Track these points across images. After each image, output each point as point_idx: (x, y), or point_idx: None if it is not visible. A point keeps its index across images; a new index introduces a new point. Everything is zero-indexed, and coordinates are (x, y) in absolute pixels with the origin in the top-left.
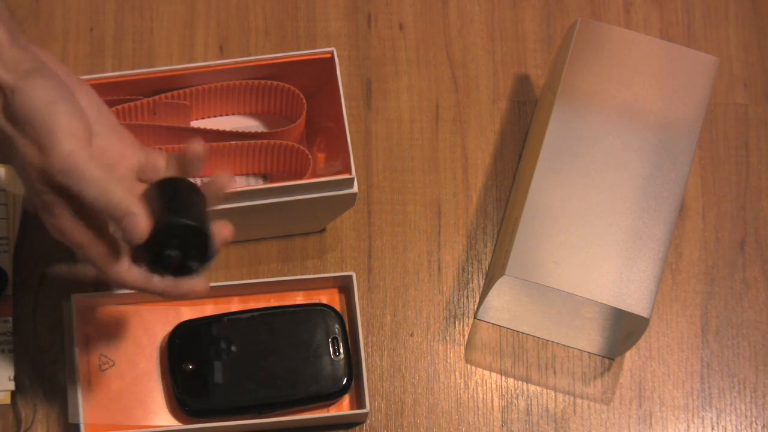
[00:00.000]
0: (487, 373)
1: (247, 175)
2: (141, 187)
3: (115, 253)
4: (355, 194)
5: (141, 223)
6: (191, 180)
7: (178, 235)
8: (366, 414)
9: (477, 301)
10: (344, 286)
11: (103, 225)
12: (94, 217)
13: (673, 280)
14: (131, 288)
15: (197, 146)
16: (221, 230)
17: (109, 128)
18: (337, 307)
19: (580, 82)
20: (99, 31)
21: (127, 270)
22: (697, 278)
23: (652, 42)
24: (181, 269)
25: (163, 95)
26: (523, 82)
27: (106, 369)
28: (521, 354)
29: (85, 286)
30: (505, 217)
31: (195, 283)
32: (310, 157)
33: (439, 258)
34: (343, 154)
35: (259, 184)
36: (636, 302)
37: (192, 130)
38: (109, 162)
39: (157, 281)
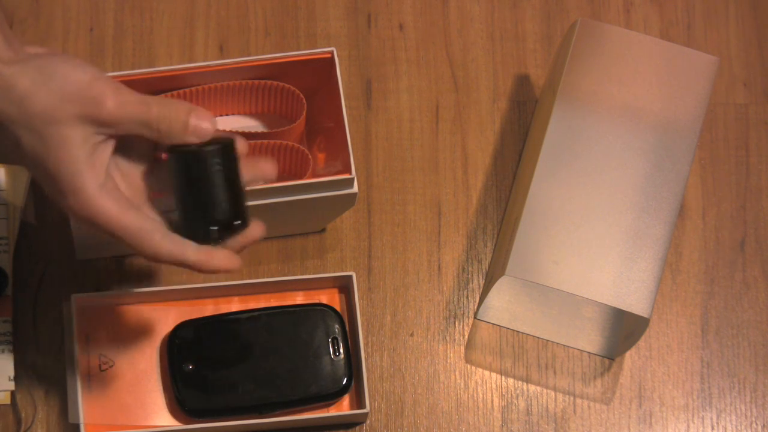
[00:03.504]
0: (487, 373)
1: None
2: None
3: (148, 227)
4: (355, 194)
5: None
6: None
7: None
8: (366, 414)
9: (477, 301)
10: (344, 286)
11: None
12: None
13: (673, 280)
14: (165, 261)
15: (242, 144)
16: (254, 229)
17: None
18: (337, 307)
19: (580, 82)
20: (99, 31)
21: (160, 242)
22: (697, 278)
23: (652, 42)
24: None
25: (163, 95)
26: (523, 82)
27: (106, 369)
28: (521, 354)
29: (85, 285)
30: (505, 217)
31: (227, 257)
32: (310, 157)
33: (439, 258)
34: (343, 154)
35: (260, 184)
36: (636, 302)
37: None
38: None
39: (191, 254)
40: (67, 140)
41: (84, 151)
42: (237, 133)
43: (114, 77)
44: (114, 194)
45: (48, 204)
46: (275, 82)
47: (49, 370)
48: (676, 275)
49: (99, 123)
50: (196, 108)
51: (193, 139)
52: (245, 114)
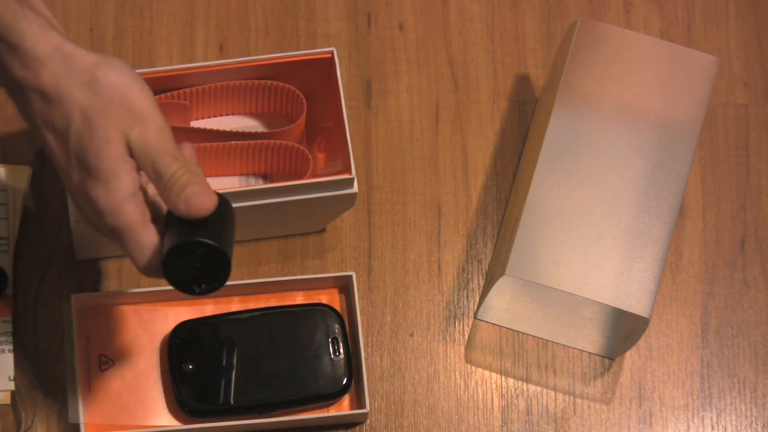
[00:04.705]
0: (487, 373)
1: (247, 175)
2: None
3: (158, 245)
4: (355, 194)
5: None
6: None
7: (201, 253)
8: (366, 414)
9: (477, 301)
10: (344, 286)
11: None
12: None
13: (673, 280)
14: (159, 278)
15: (187, 149)
16: None
17: None
18: (337, 307)
19: (580, 82)
20: (99, 31)
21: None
22: (697, 278)
23: (652, 42)
24: (192, 285)
25: (163, 95)
26: (523, 82)
27: (106, 369)
28: (521, 354)
29: (85, 285)
30: (505, 217)
31: None
32: (310, 157)
33: (439, 258)
34: (343, 154)
35: (259, 184)
36: (636, 302)
37: (192, 130)
38: None
39: None
40: (111, 138)
41: (124, 155)
42: (234, 132)
43: None
44: (141, 206)
45: (48, 204)
46: (275, 82)
47: (49, 370)
48: (676, 275)
49: (130, 141)
50: (203, 188)
51: (183, 212)
52: (245, 114)
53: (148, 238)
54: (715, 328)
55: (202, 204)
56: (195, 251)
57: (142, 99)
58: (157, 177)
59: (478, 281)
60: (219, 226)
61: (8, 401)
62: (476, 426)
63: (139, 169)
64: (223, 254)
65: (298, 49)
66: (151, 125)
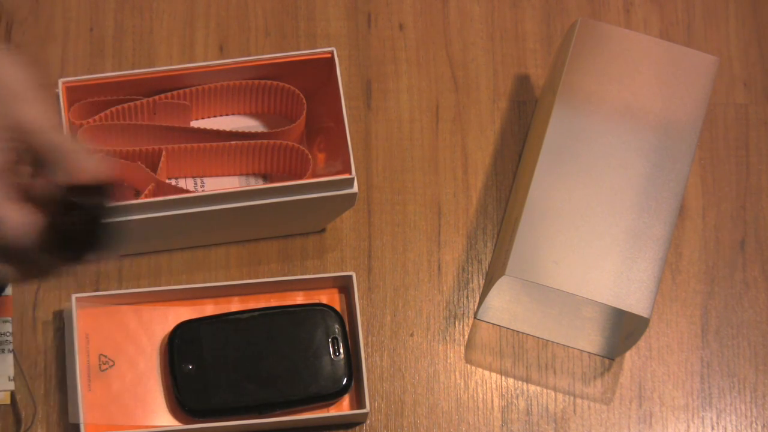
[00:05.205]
0: (487, 373)
1: (247, 175)
2: None
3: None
4: (355, 194)
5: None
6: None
7: (79, 217)
8: (366, 414)
9: (477, 301)
10: (344, 286)
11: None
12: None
13: (673, 280)
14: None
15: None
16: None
17: None
18: (337, 307)
19: (580, 82)
20: (99, 31)
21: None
22: (697, 278)
23: (652, 42)
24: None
25: (163, 95)
26: (523, 82)
27: (106, 369)
28: (521, 354)
29: (85, 285)
30: (505, 217)
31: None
32: (310, 157)
33: (439, 258)
34: (343, 154)
35: (259, 184)
36: (636, 302)
37: (192, 130)
38: None
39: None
40: None
41: None
42: (234, 132)
43: (114, 77)
44: (4, 184)
45: None
46: (275, 82)
47: (49, 370)
48: (676, 275)
49: (5, 121)
50: (83, 154)
51: (65, 179)
52: (245, 114)
53: (12, 213)
54: (715, 328)
55: (80, 169)
56: (72, 215)
57: (16, 80)
58: (37, 152)
59: (478, 281)
60: (98, 198)
61: (8, 401)
62: (476, 426)
63: (18, 150)
64: (100, 221)
65: (298, 49)
66: (24, 104)
